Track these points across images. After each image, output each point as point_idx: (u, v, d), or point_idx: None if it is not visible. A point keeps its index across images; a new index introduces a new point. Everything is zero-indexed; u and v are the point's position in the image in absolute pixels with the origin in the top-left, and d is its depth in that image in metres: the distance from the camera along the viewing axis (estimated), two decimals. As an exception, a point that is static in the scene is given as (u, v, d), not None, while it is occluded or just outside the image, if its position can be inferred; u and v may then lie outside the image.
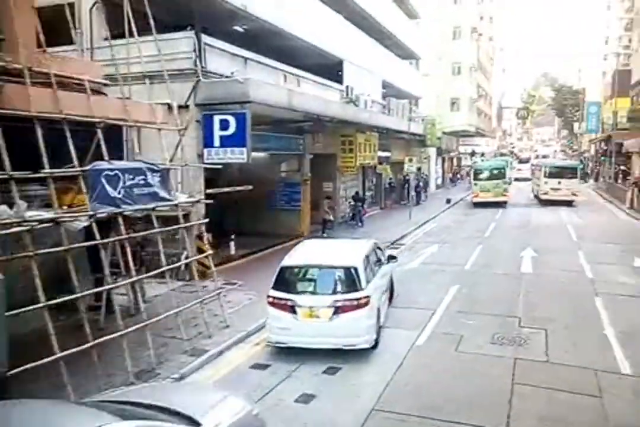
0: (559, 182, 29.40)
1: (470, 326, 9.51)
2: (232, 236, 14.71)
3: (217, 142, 12.31)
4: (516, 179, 50.04)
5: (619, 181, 37.16)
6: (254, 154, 17.91)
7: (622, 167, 40.17)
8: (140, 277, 9.25)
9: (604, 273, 13.53)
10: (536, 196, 33.34)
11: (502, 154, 71.72)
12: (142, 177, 8.21)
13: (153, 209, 8.40)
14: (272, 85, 12.94)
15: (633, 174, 37.48)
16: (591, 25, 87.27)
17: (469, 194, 34.42)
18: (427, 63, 38.54)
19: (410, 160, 23.31)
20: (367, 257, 8.75)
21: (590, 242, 18.16)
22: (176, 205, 8.89)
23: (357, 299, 7.76)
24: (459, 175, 44.81)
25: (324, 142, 20.13)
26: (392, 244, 18.37)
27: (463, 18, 41.97)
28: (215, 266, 13.93)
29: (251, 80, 12.13)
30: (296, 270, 8.32)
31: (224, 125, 12.16)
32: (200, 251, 12.73)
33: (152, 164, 8.55)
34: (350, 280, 7.98)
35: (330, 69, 21.42)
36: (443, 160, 44.65)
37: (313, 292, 8.04)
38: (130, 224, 9.71)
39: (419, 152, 32.10)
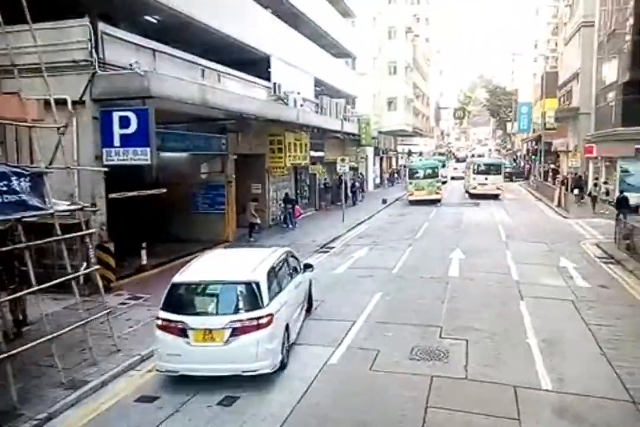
0: (486, 178, 32.36)
1: (389, 339, 8.85)
2: (144, 244, 13.48)
3: (117, 142, 11.10)
4: (452, 178, 51.07)
5: (549, 179, 38.24)
6: (172, 154, 16.85)
7: (552, 166, 41.46)
8: (16, 295, 8.06)
9: (530, 274, 13.32)
10: (467, 191, 35.28)
11: (440, 154, 72.99)
12: (5, 182, 7.00)
13: (19, 219, 7.19)
14: (179, 80, 11.84)
15: (561, 173, 38.72)
16: (522, 29, 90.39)
17: (406, 193, 34.69)
18: (364, 62, 38.28)
19: (343, 160, 22.70)
20: (273, 269, 7.89)
21: (519, 241, 18.14)
22: (52, 214, 7.68)
23: (257, 318, 6.88)
24: (396, 175, 44.79)
25: (251, 141, 19.15)
26: (322, 247, 17.66)
27: (398, 18, 42.01)
28: (123, 277, 12.84)
29: (153, 73, 11.00)
30: (189, 287, 7.33)
31: (125, 122, 10.97)
32: (102, 262, 11.50)
33: (18, 167, 7.34)
34: (251, 297, 7.09)
35: (259, 66, 20.51)
36: (381, 160, 44.59)
37: (207, 313, 7.07)
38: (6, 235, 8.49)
39: (354, 151, 31.68)
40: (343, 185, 28.69)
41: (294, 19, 24.20)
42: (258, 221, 18.23)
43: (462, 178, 49.06)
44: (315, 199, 27.05)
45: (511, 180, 47.97)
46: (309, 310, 10.19)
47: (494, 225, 21.67)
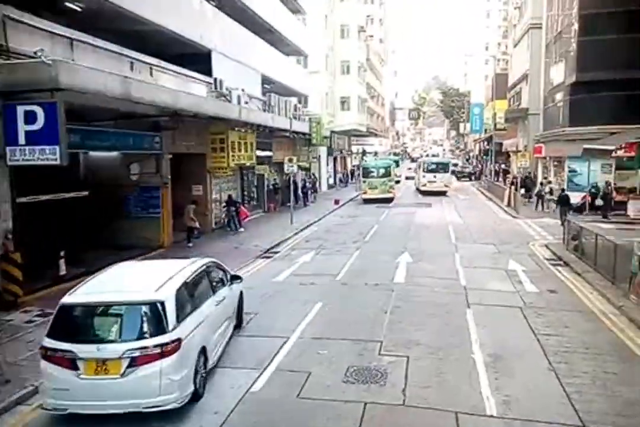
0: (435, 176, 34.73)
1: (323, 358, 8.01)
2: (62, 253, 12.19)
3: (22, 140, 9.81)
4: (407, 178, 51.20)
5: (499, 179, 38.49)
6: (101, 154, 15.58)
7: (503, 166, 41.86)
8: None
9: (478, 279, 12.78)
10: (417, 189, 37.20)
11: (394, 154, 73.20)
12: None
13: None
14: (96, 71, 10.65)
15: (512, 173, 39.08)
16: (475, 31, 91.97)
17: (360, 193, 34.27)
18: (316, 61, 37.49)
19: (291, 160, 21.80)
20: (186, 285, 6.90)
21: (469, 243, 17.73)
22: None
23: (161, 345, 5.89)
24: (350, 175, 44.19)
25: (191, 140, 18.00)
26: (265, 252, 16.71)
27: (350, 17, 41.47)
28: (35, 291, 11.53)
29: (63, 62, 9.78)
30: (80, 309, 6.24)
31: (31, 118, 9.70)
32: (7, 275, 10.22)
33: None
34: (154, 320, 6.08)
35: (200, 61, 19.37)
36: (335, 159, 43.94)
37: (101, 340, 6.00)
38: None
39: (306, 151, 30.86)
40: (293, 186, 27.92)
41: (240, 14, 23.13)
42: (197, 225, 17.10)
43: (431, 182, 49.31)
44: (263, 200, 26.04)
45: (470, 180, 50.41)
46: (238, 325, 9.25)
47: (444, 226, 21.25)
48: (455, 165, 58.00)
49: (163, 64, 15.92)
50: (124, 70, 14.08)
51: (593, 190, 23.36)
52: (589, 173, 23.80)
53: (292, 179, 25.07)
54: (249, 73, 23.16)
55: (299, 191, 28.88)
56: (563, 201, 22.36)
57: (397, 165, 52.34)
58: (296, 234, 20.17)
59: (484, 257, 15.41)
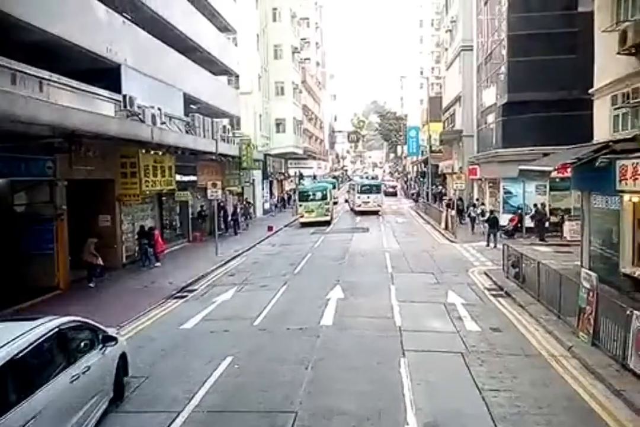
0: (368, 197, 36.56)
1: (218, 443, 6.24)
2: None
3: None
4: (346, 200, 50.39)
5: (437, 202, 38.06)
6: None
7: (440, 188, 41.69)
8: None
9: (415, 317, 11.39)
10: (352, 209, 38.68)
11: (334, 177, 72.64)
12: None
13: None
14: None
15: (448, 195, 38.89)
16: (410, 57, 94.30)
17: (296, 218, 33.05)
18: (249, 81, 36.19)
19: (214, 185, 19.99)
20: (12, 364, 4.98)
21: (406, 272, 16.48)
22: None
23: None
24: (287, 199, 42.66)
25: (93, 164, 15.89)
26: (180, 290, 14.74)
27: (284, 37, 40.65)
28: None
29: None
30: None
31: None
32: None
33: None
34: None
35: (110, 77, 17.45)
36: (271, 183, 42.39)
37: None
38: None
39: (237, 175, 29.11)
40: (222, 212, 26.08)
41: (161, 30, 21.47)
42: (100, 261, 14.90)
43: (365, 203, 48.99)
44: (188, 229, 23.97)
45: (394, 196, 54.80)
46: (118, 397, 7.31)
47: (380, 253, 19.98)
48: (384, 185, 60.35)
49: (56, 77, 13.89)
50: (4, 84, 12.03)
51: (530, 212, 23.10)
52: (524, 194, 23.39)
53: (221, 204, 23.32)
54: (169, 92, 21.38)
55: (229, 218, 27.04)
56: (491, 223, 22.13)
57: (334, 188, 51.81)
58: (220, 267, 18.28)
59: (422, 289, 14.13)
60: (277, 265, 18.30)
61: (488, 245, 21.50)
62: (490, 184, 28.58)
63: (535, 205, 23.03)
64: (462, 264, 17.73)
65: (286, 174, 47.64)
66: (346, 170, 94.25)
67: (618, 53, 12.05)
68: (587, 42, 23.74)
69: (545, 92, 23.27)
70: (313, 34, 71.55)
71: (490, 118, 27.81)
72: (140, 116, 17.71)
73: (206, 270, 17.38)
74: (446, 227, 26.23)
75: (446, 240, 23.57)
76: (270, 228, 28.29)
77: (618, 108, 13.25)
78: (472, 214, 27.02)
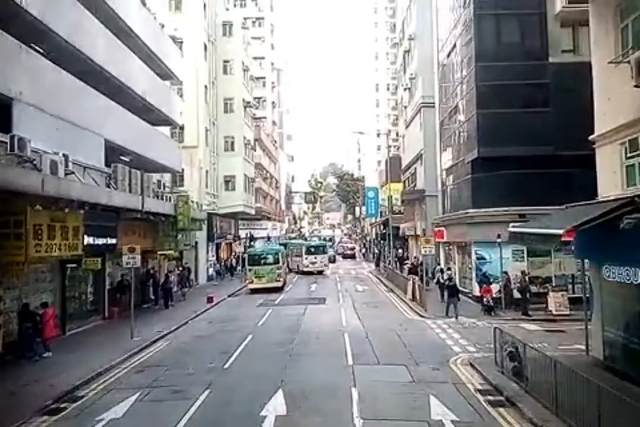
0: (315, 258, 37.89)
1: None
2: None
3: None
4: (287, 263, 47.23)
5: (399, 266, 34.84)
6: None
7: (400, 251, 38.74)
8: None
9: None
10: (300, 270, 38.23)
11: (290, 238, 69.18)
12: None
13: None
14: None
15: (410, 259, 35.86)
16: (367, 120, 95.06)
17: (244, 286, 29.28)
18: (195, 134, 33.24)
19: (132, 249, 16.08)
20: None
21: (371, 364, 12.74)
22: None
23: None
24: (234, 263, 38.27)
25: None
26: (58, 400, 10.45)
27: (234, 91, 38.43)
28: None
29: None
30: None
31: None
32: None
33: None
34: None
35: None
36: (218, 246, 38.40)
37: None
38: None
39: (173, 238, 25.19)
40: (152, 281, 22.00)
41: (81, 65, 18.31)
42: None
43: (312, 263, 45.73)
44: (103, 303, 19.59)
45: (353, 259, 55.77)
46: None
47: (339, 334, 16.17)
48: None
49: None
50: None
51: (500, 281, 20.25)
52: (501, 261, 20.43)
53: (151, 272, 19.30)
54: (84, 137, 17.83)
55: (160, 288, 22.82)
56: (451, 291, 19.66)
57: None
58: (131, 357, 14.05)
59: (394, 394, 10.38)
60: (206, 353, 14.16)
61: (447, 315, 18.91)
62: (459, 248, 25.70)
63: (522, 272, 20.07)
64: (440, 350, 14.15)
65: (236, 236, 43.82)
66: (302, 233, 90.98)
67: (636, 86, 9.45)
68: (561, 94, 22.28)
69: (518, 147, 21.12)
70: (269, 93, 70.65)
71: (457, 176, 25.41)
72: (36, 162, 14.01)
73: (110, 362, 13.11)
74: (413, 298, 22.81)
75: (415, 314, 20.02)
76: (210, 299, 24.12)
77: (633, 157, 10.55)
78: (441, 280, 23.98)
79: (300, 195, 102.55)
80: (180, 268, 26.35)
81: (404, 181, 41.65)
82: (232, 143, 38.14)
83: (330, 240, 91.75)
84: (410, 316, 19.90)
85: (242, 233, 46.12)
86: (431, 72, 31.57)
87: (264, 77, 69.87)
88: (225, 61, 38.02)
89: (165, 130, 30.04)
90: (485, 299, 19.48)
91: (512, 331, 14.19)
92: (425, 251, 21.62)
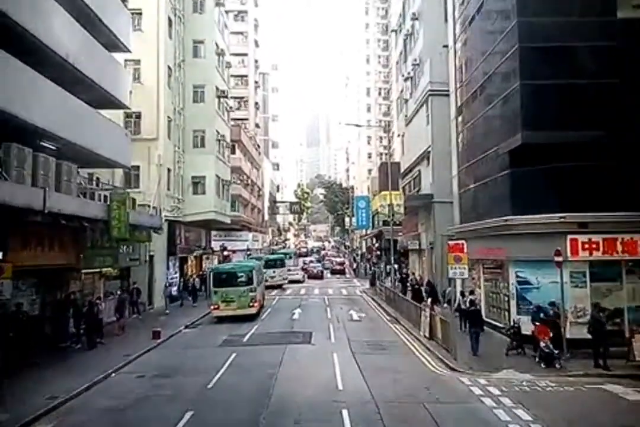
0: (274, 271, 36.70)
1: None
2: None
3: None
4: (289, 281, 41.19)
5: (400, 287, 28.72)
6: None
7: (404, 271, 32.82)
8: None
9: None
10: None
11: (273, 251, 62.96)
12: None
13: None
14: None
15: (414, 278, 29.95)
16: (355, 130, 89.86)
17: (209, 312, 23.00)
18: (155, 124, 27.23)
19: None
20: None
21: None
22: None
23: None
24: (197, 284, 30.33)
25: None
26: None
27: (206, 76, 32.41)
28: None
29: None
30: None
31: None
32: None
33: None
34: None
35: None
36: (183, 261, 32.09)
37: None
38: None
39: (110, 250, 18.98)
40: (73, 311, 15.87)
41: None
42: None
43: (298, 281, 39.75)
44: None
45: (342, 275, 51.56)
46: None
47: (333, 410, 10.06)
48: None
49: None
50: None
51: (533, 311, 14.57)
52: (562, 287, 14.52)
53: (71, 297, 13.24)
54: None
55: (83, 320, 16.54)
56: (473, 319, 15.43)
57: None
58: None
59: None
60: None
61: (475, 353, 14.65)
62: (487, 268, 19.81)
63: (595, 305, 14.29)
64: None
65: (208, 248, 37.56)
66: (286, 245, 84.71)
67: None
68: (634, 61, 16.75)
69: (576, 132, 15.47)
70: (252, 94, 64.93)
71: (483, 174, 19.63)
72: None
73: None
74: (431, 336, 16.82)
75: (441, 364, 13.94)
76: (156, 334, 17.89)
77: None
78: (462, 306, 18.31)
79: (285, 205, 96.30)
80: (119, 291, 19.92)
81: (403, 187, 35.89)
82: (203, 138, 32.00)
83: (317, 252, 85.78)
84: (435, 367, 13.80)
85: (217, 245, 39.89)
86: (440, 53, 26.05)
87: (246, 76, 64.16)
88: (196, 42, 32.03)
89: (118, 118, 23.98)
90: (542, 344, 13.55)
91: (594, 400, 8.44)
92: (455, 273, 15.59)
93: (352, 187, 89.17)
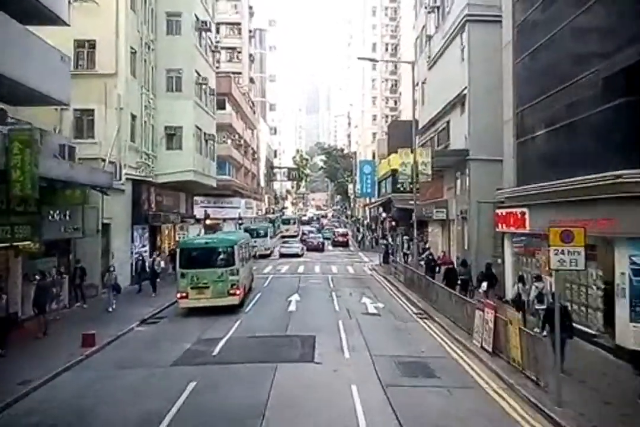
0: (255, 242, 31.47)
1: None
2: None
3: None
4: (283, 255, 36.09)
5: (424, 267, 23.02)
6: None
7: (427, 245, 27.20)
8: None
9: None
10: None
11: (270, 220, 57.35)
12: None
13: None
14: None
15: (439, 255, 24.32)
16: (359, 84, 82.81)
17: (177, 295, 17.05)
18: (114, 56, 20.99)
19: None
20: None
21: None
22: None
23: None
24: (162, 263, 23.02)
25: None
26: None
27: (182, 3, 25.89)
28: None
29: None
30: None
31: None
32: None
33: None
34: None
35: None
36: (155, 231, 26.33)
37: None
38: None
39: (24, 217, 13.11)
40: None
41: None
42: None
43: (296, 255, 34.63)
44: None
45: (345, 247, 46.22)
46: None
47: None
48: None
49: None
50: None
51: None
52: None
53: None
54: None
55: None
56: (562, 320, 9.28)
57: (266, 235, 37.84)
58: None
59: None
60: None
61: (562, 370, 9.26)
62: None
63: None
64: None
65: (188, 216, 31.72)
66: (284, 213, 78.99)
67: None
68: None
69: None
70: (246, 44, 57.73)
71: (562, 115, 13.65)
72: None
73: None
74: (494, 350, 11.19)
75: (529, 408, 8.35)
76: (87, 340, 12.25)
77: None
78: (523, 297, 13.01)
79: (283, 172, 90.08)
80: (39, 277, 13.89)
81: (422, 144, 29.91)
82: (179, 79, 25.62)
83: (317, 220, 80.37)
84: (522, 417, 8.19)
85: (200, 213, 34.10)
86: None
87: (239, 23, 56.90)
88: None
89: (68, 49, 17.65)
90: None
91: None
92: (563, 261, 9.59)
93: (355, 153, 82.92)
